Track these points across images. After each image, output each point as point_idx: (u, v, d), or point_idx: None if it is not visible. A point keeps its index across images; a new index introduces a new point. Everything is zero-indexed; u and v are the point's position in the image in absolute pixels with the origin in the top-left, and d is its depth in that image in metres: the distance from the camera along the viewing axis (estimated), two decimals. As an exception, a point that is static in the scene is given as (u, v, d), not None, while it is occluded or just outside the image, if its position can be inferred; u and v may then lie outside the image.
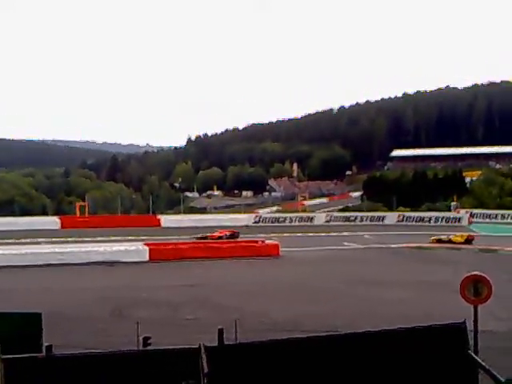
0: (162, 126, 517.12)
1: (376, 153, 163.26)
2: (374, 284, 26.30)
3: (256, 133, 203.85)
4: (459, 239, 43.22)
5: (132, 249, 35.01)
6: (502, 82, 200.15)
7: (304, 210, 76.09)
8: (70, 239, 41.33)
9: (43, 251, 33.64)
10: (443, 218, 59.86)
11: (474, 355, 11.21)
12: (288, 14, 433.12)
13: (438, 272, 29.76)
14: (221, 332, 11.92)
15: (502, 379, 9.70)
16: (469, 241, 43.03)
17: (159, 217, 57.55)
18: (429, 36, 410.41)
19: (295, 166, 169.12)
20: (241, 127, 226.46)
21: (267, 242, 39.04)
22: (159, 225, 53.86)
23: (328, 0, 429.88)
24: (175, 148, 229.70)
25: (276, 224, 57.79)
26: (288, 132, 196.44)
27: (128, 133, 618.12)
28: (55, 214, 57.84)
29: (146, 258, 33.80)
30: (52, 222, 52.31)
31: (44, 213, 62.87)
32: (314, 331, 15.56)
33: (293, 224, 58.21)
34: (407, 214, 61.70)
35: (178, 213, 69.32)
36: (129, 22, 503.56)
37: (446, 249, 39.80)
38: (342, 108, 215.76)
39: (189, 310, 20.70)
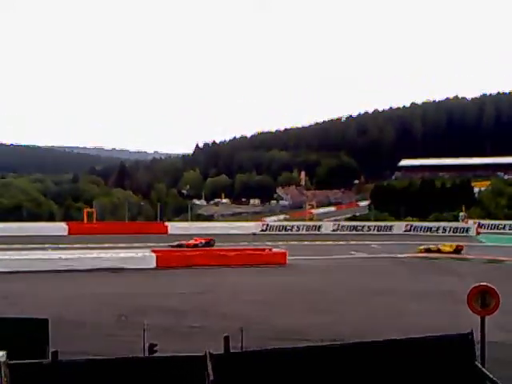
0: (170, 133, 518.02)
1: (384, 162, 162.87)
2: (380, 293, 26.23)
3: (264, 141, 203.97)
4: (448, 249, 43.11)
5: (139, 255, 35.07)
6: (510, 92, 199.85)
7: (311, 219, 76.03)
8: (77, 245, 41.37)
9: (50, 257, 33.71)
10: (451, 228, 59.69)
11: (480, 366, 11.16)
12: (294, 18, 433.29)
13: (444, 282, 29.68)
14: (227, 340, 11.92)
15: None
16: (458, 250, 42.88)
17: (166, 224, 57.58)
18: (437, 46, 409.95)
19: (303, 174, 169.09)
20: (249, 135, 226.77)
21: (274, 250, 39.02)
22: (166, 232, 53.87)
23: (336, 7, 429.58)
24: (183, 155, 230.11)
25: (283, 232, 57.73)
26: (296, 140, 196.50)
27: (136, 140, 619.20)
28: (63, 219, 57.92)
29: (153, 264, 33.82)
30: (60, 227, 52.40)
31: (52, 219, 63.00)
32: (320, 340, 15.53)
33: (300, 232, 58.14)
34: (415, 223, 61.57)
35: (186, 220, 69.33)
36: (138, 31, 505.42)
37: (453, 259, 39.67)
38: (350, 117, 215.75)
39: (195, 317, 20.68)
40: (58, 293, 25.04)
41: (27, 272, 29.88)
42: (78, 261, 32.97)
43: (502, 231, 59.78)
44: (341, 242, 48.60)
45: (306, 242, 48.63)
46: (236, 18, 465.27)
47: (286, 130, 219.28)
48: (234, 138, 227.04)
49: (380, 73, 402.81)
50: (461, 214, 69.12)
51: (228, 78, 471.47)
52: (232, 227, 58.85)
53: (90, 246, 40.95)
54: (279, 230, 58.95)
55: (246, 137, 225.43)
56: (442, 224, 60.76)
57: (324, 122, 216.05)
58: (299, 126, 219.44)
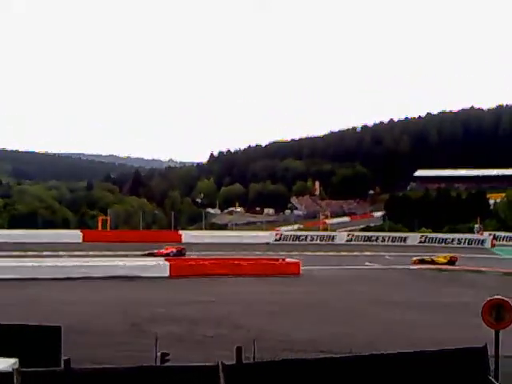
0: (185, 141, 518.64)
1: (399, 172, 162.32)
2: (394, 305, 26.12)
3: (278, 150, 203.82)
4: (442, 260, 42.95)
5: (153, 264, 35.12)
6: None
7: (326, 229, 75.92)
8: (91, 253, 41.52)
9: (65, 264, 33.85)
10: (466, 239, 59.41)
11: (494, 381, 11.06)
12: (299, 20, 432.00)
13: (457, 294, 29.51)
14: (239, 350, 11.89)
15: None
16: (452, 262, 42.67)
17: (180, 232, 57.68)
18: (454, 56, 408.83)
19: (317, 184, 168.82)
20: (263, 144, 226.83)
21: (288, 260, 38.96)
22: (180, 240, 53.95)
23: (348, 11, 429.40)
24: (198, 164, 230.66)
25: (297, 242, 57.72)
26: (310, 150, 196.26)
27: (151, 148, 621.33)
28: (78, 227, 58.19)
29: (167, 273, 33.85)
30: (74, 235, 52.68)
31: (66, 226, 63.34)
32: (333, 352, 15.47)
33: (314, 242, 58.11)
34: (430, 235, 61.33)
35: (200, 229, 69.48)
36: (149, 38, 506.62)
37: (467, 271, 39.42)
38: (365, 126, 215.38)
39: (208, 327, 20.65)
40: (71, 300, 25.07)
41: (41, 279, 30.00)
42: (91, 268, 33.06)
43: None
44: (355, 253, 48.51)
45: (319, 253, 48.53)
46: (236, 19, 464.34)
47: (300, 139, 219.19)
48: (249, 146, 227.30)
49: (396, 82, 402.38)
50: (476, 225, 68.74)
51: (243, 87, 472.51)
52: (246, 236, 58.94)
53: (104, 253, 41.09)
54: (293, 240, 58.94)
55: (260, 146, 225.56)
56: (457, 235, 60.52)
57: (339, 131, 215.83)
58: (314, 135, 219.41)
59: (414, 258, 43.52)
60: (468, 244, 58.40)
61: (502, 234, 62.42)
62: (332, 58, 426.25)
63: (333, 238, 60.98)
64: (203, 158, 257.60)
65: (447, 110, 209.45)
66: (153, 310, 23.06)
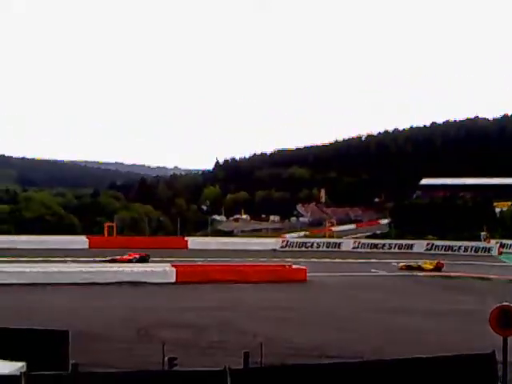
0: (191, 149, 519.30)
1: (404, 181, 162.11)
2: (400, 312, 26.09)
3: (284, 157, 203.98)
4: (428, 266, 42.97)
5: (159, 270, 35.11)
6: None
7: (331, 236, 75.81)
8: (97, 258, 41.54)
9: (71, 270, 33.87)
10: (472, 247, 59.27)
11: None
12: (299, 21, 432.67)
13: (464, 302, 29.45)
14: (246, 355, 11.91)
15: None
16: (438, 268, 42.67)
17: (187, 239, 57.67)
18: (459, 66, 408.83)
19: (323, 191, 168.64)
20: (269, 152, 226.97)
21: (294, 266, 38.93)
22: (186, 247, 53.98)
23: (356, 20, 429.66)
24: (203, 171, 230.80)
25: (303, 249, 57.67)
26: (316, 158, 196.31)
27: (157, 155, 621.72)
28: (84, 233, 58.21)
29: (173, 279, 33.85)
30: (80, 241, 52.71)
31: (73, 232, 63.38)
32: (339, 357, 15.44)
33: (320, 249, 58.05)
34: (436, 242, 61.18)
35: (206, 235, 69.47)
36: (152, 43, 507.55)
37: (473, 278, 39.29)
38: (370, 135, 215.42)
39: (214, 332, 20.63)
40: (77, 305, 25.11)
41: (48, 284, 30.05)
42: (98, 274, 33.09)
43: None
44: (361, 260, 48.42)
45: (326, 259, 48.47)
46: (237, 19, 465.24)
47: (305, 147, 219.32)
48: (254, 154, 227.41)
49: (401, 91, 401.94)
50: (482, 233, 68.61)
51: (248, 94, 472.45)
52: (252, 243, 58.92)
53: (110, 259, 41.09)
54: (299, 247, 58.90)
55: (265, 153, 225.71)
56: (464, 243, 60.31)
57: (344, 139, 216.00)
58: (319, 143, 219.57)
59: (401, 264, 43.56)
60: (475, 252, 58.24)
61: (509, 241, 62.19)
62: (336, 65, 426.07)
63: (339, 245, 60.91)
64: (209, 166, 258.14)
65: (452, 118, 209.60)
66: (159, 316, 23.05)
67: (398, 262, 46.06)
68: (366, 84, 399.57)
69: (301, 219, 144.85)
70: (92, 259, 41.01)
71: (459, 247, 59.13)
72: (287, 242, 61.48)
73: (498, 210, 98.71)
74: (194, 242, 56.50)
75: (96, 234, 61.88)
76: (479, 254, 57.43)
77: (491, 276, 40.42)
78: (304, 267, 38.01)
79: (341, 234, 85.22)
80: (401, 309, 26.94)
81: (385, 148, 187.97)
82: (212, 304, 26.90)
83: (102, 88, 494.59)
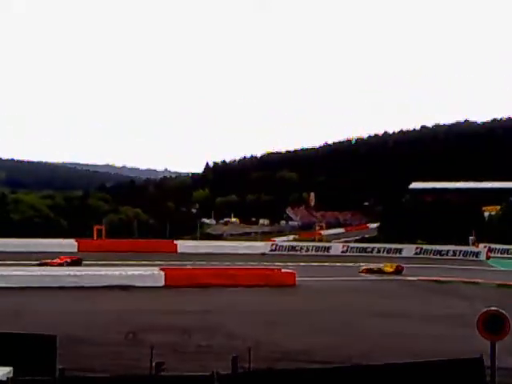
0: (181, 151, 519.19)
1: (393, 185, 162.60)
2: (389, 316, 26.12)
3: (274, 161, 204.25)
4: (389, 269, 43.25)
5: (148, 273, 35.03)
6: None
7: (321, 240, 75.91)
8: (86, 262, 41.39)
9: (59, 273, 33.71)
10: (461, 251, 59.53)
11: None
12: (298, 21, 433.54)
13: (452, 306, 29.56)
14: (235, 360, 11.87)
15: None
16: (398, 271, 42.91)
17: (176, 242, 57.55)
18: (448, 69, 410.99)
19: (312, 195, 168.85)
20: (259, 155, 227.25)
21: (283, 270, 38.92)
22: (176, 250, 53.87)
23: (350, 22, 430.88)
24: (193, 174, 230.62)
25: (292, 252, 57.70)
26: (306, 161, 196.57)
27: (146, 158, 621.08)
28: (72, 236, 57.96)
29: (162, 283, 33.78)
30: (69, 244, 52.45)
31: (61, 235, 63.07)
32: (327, 362, 15.44)
33: (309, 253, 58.12)
34: (425, 246, 61.35)
35: (195, 239, 69.37)
36: (146, 42, 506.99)
37: (463, 283, 39.40)
38: (360, 139, 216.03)
39: (202, 336, 20.57)
40: (65, 309, 25.01)
41: (36, 288, 29.90)
42: (86, 278, 32.97)
43: (512, 256, 59.50)
44: (350, 264, 48.44)
45: (315, 263, 48.49)
46: (237, 19, 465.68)
47: (295, 150, 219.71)
48: (244, 157, 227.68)
49: (390, 95, 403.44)
50: (470, 237, 68.88)
51: (239, 98, 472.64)
52: (241, 247, 58.86)
53: (98, 262, 40.99)
54: (288, 251, 58.93)
55: (255, 157, 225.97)
56: (452, 247, 60.57)
57: (334, 143, 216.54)
58: (309, 146, 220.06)
59: (362, 268, 43.71)
60: (463, 256, 58.54)
61: (497, 246, 62.45)
62: (327, 68, 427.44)
63: (328, 248, 60.98)
64: (199, 169, 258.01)
65: (441, 122, 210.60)
66: (147, 320, 22.95)
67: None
68: (355, 88, 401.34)
69: (290, 223, 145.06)
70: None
71: (447, 251, 59.37)
72: (276, 245, 61.49)
73: (486, 214, 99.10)
74: (184, 245, 56.38)
75: (85, 236, 61.66)
76: (467, 258, 57.69)
77: (479, 280, 40.55)
78: (293, 271, 38.01)
79: (330, 238, 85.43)
80: (389, 313, 26.97)
81: (374, 151, 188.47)
82: (200, 308, 26.86)
83: (93, 90, 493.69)
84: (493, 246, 62.29)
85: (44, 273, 33.59)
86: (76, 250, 51.17)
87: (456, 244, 63.81)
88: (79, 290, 30.73)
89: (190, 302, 29.05)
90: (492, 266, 49.36)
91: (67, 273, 33.92)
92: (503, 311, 13.37)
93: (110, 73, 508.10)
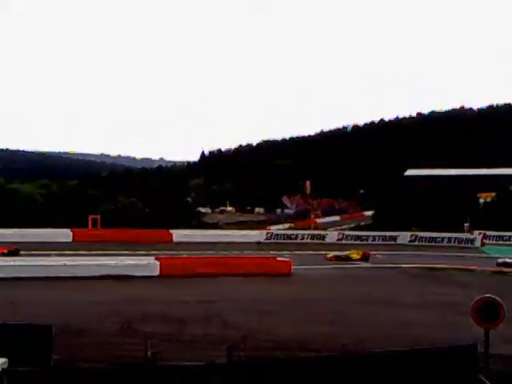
0: (176, 140, 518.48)
1: (389, 172, 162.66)
2: (384, 304, 26.20)
3: (269, 149, 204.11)
4: (356, 256, 43.37)
5: (143, 263, 35.01)
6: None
7: (316, 228, 75.94)
8: (81, 252, 41.36)
9: (54, 264, 33.67)
10: (456, 238, 59.64)
11: (484, 379, 11.11)
12: (296, 20, 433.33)
13: (447, 293, 29.61)
14: (230, 349, 11.92)
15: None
16: (366, 258, 43.03)
17: (171, 231, 57.50)
18: (444, 57, 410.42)
19: (308, 183, 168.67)
20: (254, 143, 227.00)
21: (279, 259, 38.95)
22: (171, 239, 53.84)
23: (341, 12, 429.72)
24: (188, 163, 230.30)
25: (288, 241, 57.71)
26: (301, 149, 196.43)
27: (142, 146, 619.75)
28: (67, 226, 57.81)
29: (157, 272, 33.77)
30: (64, 234, 52.38)
31: (57, 225, 62.93)
32: (323, 351, 15.50)
33: (305, 241, 58.13)
34: (420, 234, 61.41)
35: (191, 228, 69.29)
36: (143, 36, 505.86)
37: (457, 270, 39.49)
38: (356, 126, 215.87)
39: (198, 326, 20.61)
40: (61, 300, 24.99)
41: (31, 278, 29.87)
42: (82, 267, 32.94)
43: (507, 242, 59.61)
44: (346, 252, 48.43)
45: (310, 251, 48.53)
46: (242, 20, 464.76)
47: (291, 138, 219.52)
48: (240, 145, 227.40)
49: (386, 82, 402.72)
50: (465, 224, 69.01)
51: (234, 86, 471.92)
52: (237, 235, 58.89)
53: (94, 252, 40.97)
54: (284, 239, 58.93)
55: (251, 145, 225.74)
56: (447, 234, 60.63)
57: (329, 130, 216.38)
58: (305, 134, 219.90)
59: (330, 255, 43.68)
60: (458, 243, 58.64)
61: (492, 233, 62.57)
62: (323, 56, 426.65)
63: (323, 236, 61.01)
64: (194, 157, 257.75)
65: (437, 109, 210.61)
66: (143, 310, 22.96)
67: (380, 254, 46.30)
68: (351, 76, 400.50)
69: (286, 211, 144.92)
70: (76, 252, 40.84)
71: (442, 238, 59.48)
72: (272, 234, 61.49)
73: (481, 200, 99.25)
74: (179, 234, 56.30)
75: (80, 226, 61.56)
76: (462, 245, 57.83)
77: (473, 267, 40.66)
78: (288, 260, 38.05)
79: (325, 226, 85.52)
80: (384, 300, 27.04)
81: (370, 139, 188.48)
82: (196, 297, 26.86)
83: (88, 79, 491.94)
84: (488, 232, 62.39)
85: (39, 263, 33.52)
86: (71, 239, 51.14)
87: (451, 231, 63.95)
88: (74, 280, 30.68)
89: (185, 291, 29.05)
90: (487, 253, 49.42)
91: (62, 263, 33.86)
92: (498, 298, 13.43)
93: (105, 62, 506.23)
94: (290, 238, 59.30)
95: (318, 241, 58.57)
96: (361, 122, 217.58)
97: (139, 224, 75.89)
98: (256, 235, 59.15)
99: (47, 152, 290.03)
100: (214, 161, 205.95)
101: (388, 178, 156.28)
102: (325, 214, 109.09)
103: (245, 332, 15.30)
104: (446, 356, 11.74)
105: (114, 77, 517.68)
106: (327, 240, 59.25)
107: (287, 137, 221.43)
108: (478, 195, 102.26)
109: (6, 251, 40.54)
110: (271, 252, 43.47)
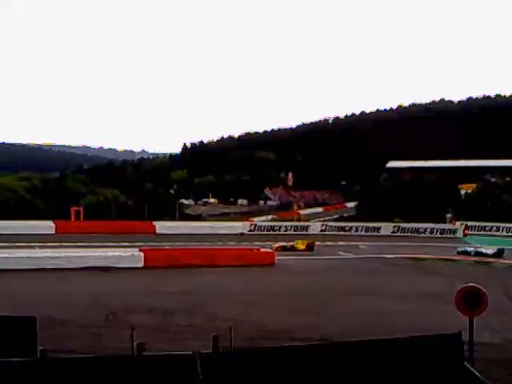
0: (158, 132, 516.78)
1: (371, 164, 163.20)
2: (368, 294, 26.30)
3: (251, 141, 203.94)
4: (301, 246, 43.54)
5: (127, 254, 34.91)
6: (496, 95, 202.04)
7: (299, 219, 76.08)
8: (64, 244, 41.14)
9: (37, 255, 33.51)
10: (438, 229, 60.05)
11: (469, 366, 11.20)
12: (292, 19, 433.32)
13: (430, 283, 29.87)
14: (215, 339, 11.94)
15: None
16: (311, 248, 43.20)
17: (154, 223, 57.35)
18: (424, 49, 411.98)
19: (290, 174, 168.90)
20: (236, 135, 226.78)
21: (262, 250, 39.03)
22: (154, 231, 53.70)
23: (325, 12, 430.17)
24: (171, 155, 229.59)
25: (271, 232, 57.69)
26: (283, 141, 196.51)
27: (124, 138, 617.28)
28: (50, 218, 57.49)
29: (141, 263, 33.70)
30: (47, 226, 52.02)
31: (39, 217, 62.59)
32: (307, 340, 15.54)
33: (288, 233, 58.13)
34: (402, 224, 61.72)
35: (173, 219, 69.20)
36: (128, 27, 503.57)
37: (442, 260, 39.79)
38: (337, 118, 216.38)
39: (183, 316, 20.64)
40: (45, 291, 24.89)
41: (14, 270, 29.69)
42: (65, 259, 32.77)
43: (488, 233, 60.12)
44: (328, 243, 48.63)
45: (293, 243, 48.54)
46: (224, 15, 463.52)
47: (273, 130, 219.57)
48: (222, 138, 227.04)
49: (367, 75, 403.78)
50: (447, 215, 69.53)
51: (216, 78, 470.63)
52: (220, 227, 58.85)
53: (77, 244, 40.80)
54: (267, 230, 58.92)
55: (233, 137, 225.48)
56: (430, 225, 61.00)
57: (311, 123, 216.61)
58: (287, 126, 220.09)
59: (276, 245, 43.45)
60: (440, 234, 59.01)
61: (474, 223, 63.07)
62: (305, 51, 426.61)
63: (306, 228, 61.09)
64: (176, 149, 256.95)
65: (418, 102, 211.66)
66: (128, 301, 22.95)
67: (363, 245, 46.51)
68: (332, 67, 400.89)
69: (269, 203, 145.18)
70: (59, 244, 40.61)
71: (425, 229, 59.84)
72: (255, 225, 61.51)
73: (462, 192, 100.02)
74: (162, 226, 56.13)
75: (63, 218, 61.28)
76: (445, 235, 58.22)
77: (456, 257, 41.00)
78: (272, 251, 38.11)
79: (308, 217, 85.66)
80: (368, 291, 27.16)
81: (352, 131, 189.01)
82: (180, 288, 26.88)
83: (70, 71, 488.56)
84: (469, 223, 62.88)
85: (23, 255, 33.35)
86: (54, 231, 50.82)
87: (433, 222, 64.37)
88: (59, 271, 30.50)
89: (169, 282, 29.04)
90: (469, 243, 49.75)
91: (46, 255, 33.72)
92: (481, 287, 13.58)
93: (89, 54, 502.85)
94: (274, 230, 59.27)
95: (301, 232, 58.62)
96: (342, 115, 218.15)
97: (122, 216, 75.77)
98: (239, 227, 59.14)
99: (27, 144, 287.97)
100: (196, 153, 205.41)
101: (370, 170, 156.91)
102: (307, 206, 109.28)
103: (229, 322, 15.31)
104: (431, 344, 11.81)
105: (97, 69, 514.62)
106: (310, 231, 59.31)
107: (269, 129, 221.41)
108: (459, 186, 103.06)
109: None
110: (255, 243, 43.43)
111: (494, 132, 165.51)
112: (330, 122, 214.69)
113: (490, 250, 42.79)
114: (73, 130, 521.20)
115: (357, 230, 59.70)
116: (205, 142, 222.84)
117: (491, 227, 61.60)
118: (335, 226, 61.98)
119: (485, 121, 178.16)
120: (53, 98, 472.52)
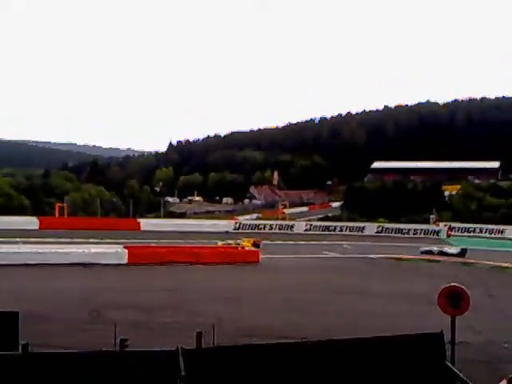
0: (144, 130, 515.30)
1: (356, 164, 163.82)
2: (351, 293, 26.42)
3: (237, 140, 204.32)
4: (247, 244, 43.50)
5: (111, 251, 34.81)
6: (481, 98, 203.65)
7: (284, 218, 76.20)
8: (48, 240, 40.92)
9: (21, 251, 33.34)
10: (422, 230, 60.42)
11: (451, 366, 11.26)
12: (290, 19, 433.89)
13: (414, 283, 30.03)
14: (199, 335, 11.93)
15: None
16: (256, 245, 43.27)
17: (139, 220, 57.24)
18: (411, 52, 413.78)
19: (276, 174, 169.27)
20: (222, 134, 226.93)
21: (247, 248, 39.06)
22: (139, 228, 53.61)
23: (314, 14, 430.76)
24: (156, 153, 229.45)
25: (256, 231, 57.78)
26: (269, 140, 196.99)
27: (109, 136, 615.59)
28: (34, 214, 57.23)
29: (125, 260, 33.62)
30: (31, 222, 51.81)
31: (23, 213, 62.29)
32: (290, 338, 15.57)
33: (273, 231, 58.27)
34: (386, 225, 62.07)
35: (158, 217, 69.08)
36: (120, 24, 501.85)
37: (427, 261, 40.00)
38: (323, 118, 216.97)
39: (166, 313, 20.61)
40: (28, 287, 24.77)
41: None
42: (49, 255, 32.61)
43: (472, 234, 60.55)
44: (313, 242, 48.77)
45: (278, 242, 48.67)
46: (217, 15, 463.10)
47: (259, 129, 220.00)
48: (208, 136, 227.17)
49: (354, 76, 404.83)
50: (431, 216, 69.97)
51: (203, 76, 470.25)
52: (205, 225, 58.92)
53: (61, 240, 40.62)
54: (252, 229, 59.00)
55: (219, 136, 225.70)
56: (414, 226, 61.44)
57: (298, 123, 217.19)
58: (273, 126, 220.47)
59: (221, 243, 43.23)
60: (424, 234, 59.38)
61: (457, 224, 63.51)
62: (293, 51, 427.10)
63: (291, 227, 61.24)
64: (162, 147, 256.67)
65: (404, 103, 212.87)
66: (111, 297, 22.90)
67: (347, 245, 46.63)
68: (320, 69, 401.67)
69: (254, 201, 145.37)
70: (43, 240, 40.39)
71: (409, 230, 60.22)
72: (240, 224, 61.57)
73: (447, 193, 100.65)
74: (147, 223, 56.12)
75: (47, 214, 61.01)
76: (428, 236, 58.58)
77: (439, 258, 41.22)
78: (256, 249, 38.15)
79: (293, 217, 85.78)
80: (351, 290, 27.28)
81: (337, 131, 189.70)
82: (164, 285, 26.85)
83: (56, 67, 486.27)
84: (453, 224, 63.31)
85: (7, 250, 33.15)
86: (37, 227, 50.58)
87: (417, 222, 64.76)
88: (42, 267, 30.37)
89: (153, 279, 29.01)
90: (452, 244, 50.03)
91: (30, 250, 33.56)
92: (463, 287, 13.66)
93: (77, 52, 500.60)
94: (258, 228, 59.37)
95: (285, 231, 58.77)
96: (328, 115, 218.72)
97: (106, 213, 75.54)
98: (224, 225, 59.21)
99: (12, 140, 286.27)
100: (182, 151, 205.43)
101: (355, 170, 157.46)
102: (293, 205, 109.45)
103: (213, 320, 15.31)
104: (413, 343, 11.86)
105: (83, 67, 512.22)
106: (295, 230, 59.51)
107: (255, 128, 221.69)
108: (444, 188, 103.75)
109: None
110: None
111: (479, 134, 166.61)
112: (316, 122, 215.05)
113: (454, 250, 43.47)
114: (58, 126, 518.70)
115: (341, 230, 59.96)
116: (190, 140, 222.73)
117: (474, 228, 62.09)
118: (320, 226, 62.21)
119: (470, 123, 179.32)
120: (39, 94, 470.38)
